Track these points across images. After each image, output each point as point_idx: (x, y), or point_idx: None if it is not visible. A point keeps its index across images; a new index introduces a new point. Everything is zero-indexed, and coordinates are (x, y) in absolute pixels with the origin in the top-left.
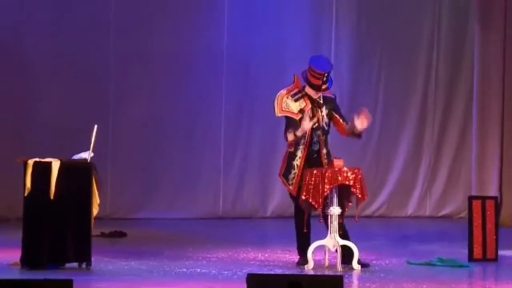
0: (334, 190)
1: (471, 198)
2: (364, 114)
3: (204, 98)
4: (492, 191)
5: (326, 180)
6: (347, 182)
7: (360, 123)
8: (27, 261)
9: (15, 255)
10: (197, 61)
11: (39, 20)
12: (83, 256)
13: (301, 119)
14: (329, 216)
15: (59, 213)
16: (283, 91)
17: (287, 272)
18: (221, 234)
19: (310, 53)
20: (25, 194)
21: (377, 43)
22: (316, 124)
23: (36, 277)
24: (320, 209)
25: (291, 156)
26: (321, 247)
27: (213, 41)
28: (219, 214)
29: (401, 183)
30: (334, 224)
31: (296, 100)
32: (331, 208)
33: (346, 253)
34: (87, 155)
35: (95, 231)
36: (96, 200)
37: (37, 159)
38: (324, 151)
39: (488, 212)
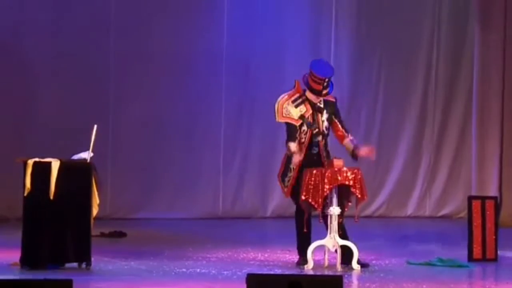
0: (333, 190)
1: (470, 198)
2: (371, 152)
3: (204, 98)
4: (492, 191)
5: (326, 180)
6: (346, 182)
7: (365, 153)
8: (27, 261)
9: (15, 255)
10: (197, 61)
11: (39, 20)
12: (83, 256)
13: (301, 125)
14: (328, 216)
15: (59, 213)
16: (284, 97)
17: (287, 272)
18: (221, 234)
19: (310, 53)
20: (25, 194)
21: (377, 43)
22: (316, 130)
23: (36, 277)
24: (319, 209)
25: (289, 160)
26: (321, 247)
27: (213, 41)
28: (219, 214)
29: (401, 183)
30: (334, 224)
31: (296, 106)
32: (331, 208)
33: (346, 253)
34: (87, 155)
35: (95, 231)
36: (96, 200)
37: (37, 159)
38: (324, 153)
39: (488, 212)
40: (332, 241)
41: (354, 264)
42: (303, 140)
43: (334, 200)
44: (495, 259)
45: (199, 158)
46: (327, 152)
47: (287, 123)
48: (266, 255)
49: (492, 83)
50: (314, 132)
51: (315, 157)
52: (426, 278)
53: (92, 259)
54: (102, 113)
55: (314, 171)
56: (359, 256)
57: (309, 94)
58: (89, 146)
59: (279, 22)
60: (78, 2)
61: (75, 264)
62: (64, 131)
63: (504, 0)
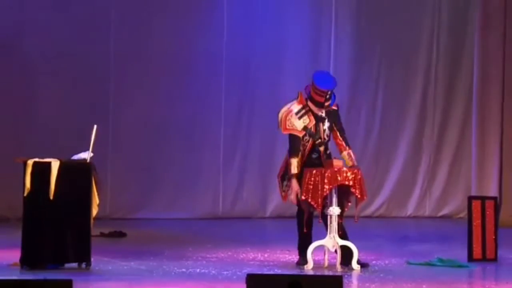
0: (333, 190)
1: (470, 198)
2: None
3: (204, 98)
4: (492, 191)
5: (325, 180)
6: (346, 182)
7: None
8: (27, 261)
9: (15, 255)
10: (197, 61)
11: (39, 20)
12: (83, 256)
13: (304, 135)
14: (328, 216)
15: (58, 213)
16: (288, 108)
17: (286, 272)
18: (221, 234)
19: (310, 53)
20: (25, 194)
21: (377, 43)
22: (319, 141)
23: (36, 277)
24: (319, 209)
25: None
26: (321, 247)
27: (213, 41)
28: (219, 214)
29: (401, 183)
30: (334, 224)
31: (300, 118)
32: (331, 208)
33: (346, 253)
34: (86, 155)
35: (94, 231)
36: (95, 200)
37: (36, 159)
38: (325, 157)
39: (488, 212)
40: (332, 241)
41: (354, 264)
42: (305, 146)
43: (334, 200)
44: (495, 259)
45: (199, 158)
46: (328, 155)
47: (290, 135)
48: (266, 255)
49: (492, 83)
50: (317, 142)
51: (316, 160)
52: (426, 278)
53: (92, 259)
54: (102, 113)
55: (314, 171)
56: (359, 256)
57: (311, 105)
58: (89, 146)
59: (279, 22)
60: (78, 2)
61: (75, 264)
62: (64, 131)
63: (504, 0)
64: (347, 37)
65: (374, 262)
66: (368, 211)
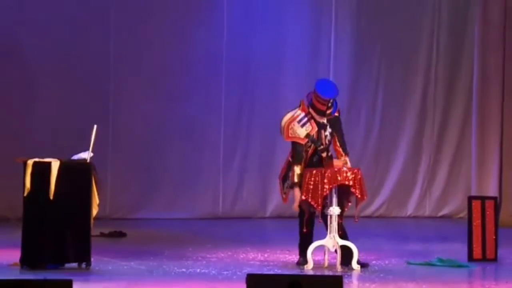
0: (333, 190)
1: (470, 198)
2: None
3: (204, 98)
4: (492, 191)
5: (325, 180)
6: (346, 182)
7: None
8: (27, 261)
9: (15, 255)
10: (196, 61)
11: (39, 20)
12: (83, 256)
13: (307, 142)
14: (328, 216)
15: (58, 213)
16: (292, 116)
17: (286, 272)
18: (221, 234)
19: (310, 53)
20: (25, 194)
21: (377, 43)
22: (321, 147)
23: (36, 277)
24: (319, 209)
25: (290, 167)
26: (321, 247)
27: (213, 41)
28: (219, 214)
29: (401, 183)
30: (334, 224)
31: (302, 126)
32: (331, 208)
33: (346, 253)
34: (86, 155)
35: (94, 231)
36: (95, 200)
37: (36, 159)
38: (326, 159)
39: (488, 212)
40: (332, 241)
41: (354, 264)
42: (307, 152)
43: (334, 200)
44: (495, 259)
45: (199, 158)
46: (329, 157)
47: (293, 142)
48: (266, 255)
49: (492, 83)
50: (319, 149)
51: (317, 164)
52: (426, 278)
53: (92, 259)
54: (102, 113)
55: (314, 171)
56: (359, 256)
57: (313, 113)
58: (89, 146)
59: (279, 22)
60: (78, 2)
61: (75, 264)
62: (64, 131)
63: (504, 0)
64: (347, 37)
65: (374, 262)
66: (368, 211)
